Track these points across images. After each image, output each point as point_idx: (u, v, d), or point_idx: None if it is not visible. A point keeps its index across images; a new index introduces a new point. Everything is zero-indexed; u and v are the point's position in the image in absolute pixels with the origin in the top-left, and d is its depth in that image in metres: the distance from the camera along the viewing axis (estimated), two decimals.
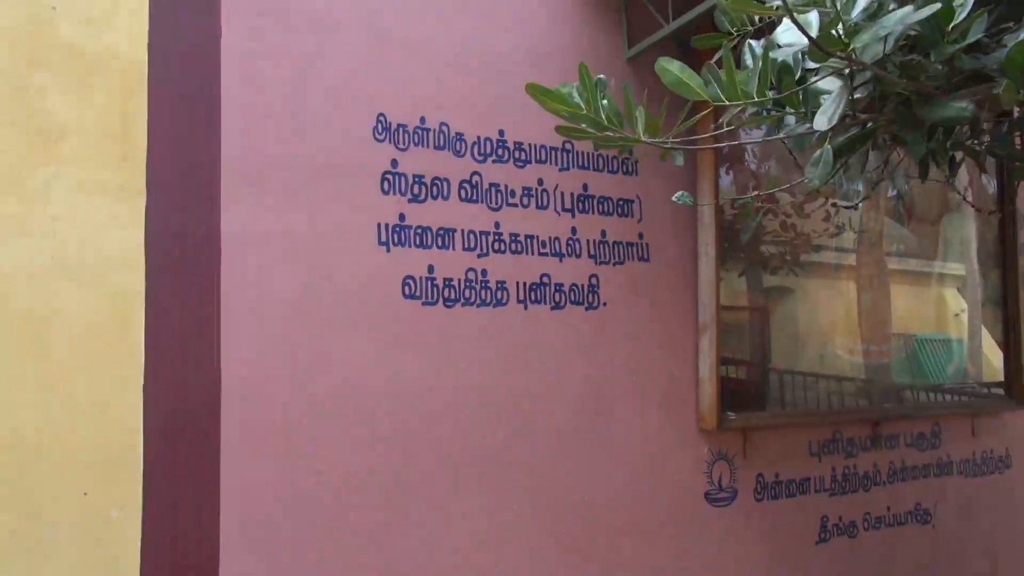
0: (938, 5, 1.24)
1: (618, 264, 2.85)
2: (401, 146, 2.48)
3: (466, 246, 2.55)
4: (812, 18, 1.27)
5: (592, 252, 2.79)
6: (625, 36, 2.88)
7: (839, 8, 1.18)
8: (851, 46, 1.18)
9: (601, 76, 1.64)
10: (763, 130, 1.92)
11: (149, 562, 2.06)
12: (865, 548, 3.38)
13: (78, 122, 2.06)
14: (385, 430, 2.38)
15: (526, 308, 2.65)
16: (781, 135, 1.49)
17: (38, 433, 1.97)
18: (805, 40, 1.20)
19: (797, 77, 1.37)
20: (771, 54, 1.35)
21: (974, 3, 1.33)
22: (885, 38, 1.27)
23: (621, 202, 2.88)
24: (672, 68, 1.31)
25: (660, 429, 2.88)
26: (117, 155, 2.10)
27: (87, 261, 2.05)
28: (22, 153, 2.00)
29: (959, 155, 2.20)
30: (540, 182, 2.71)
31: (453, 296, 2.52)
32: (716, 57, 1.61)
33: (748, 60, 1.47)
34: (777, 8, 1.17)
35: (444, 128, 2.55)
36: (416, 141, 2.51)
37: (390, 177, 2.45)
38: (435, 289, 2.49)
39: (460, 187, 2.57)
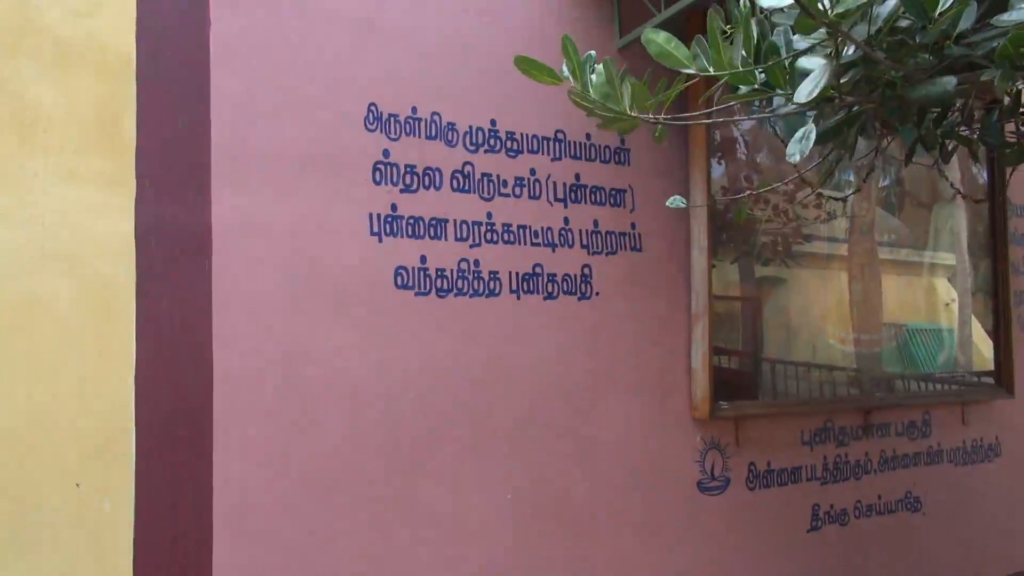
0: None
1: (611, 254, 2.85)
2: (393, 136, 2.47)
3: (458, 236, 2.55)
4: None
5: (585, 242, 2.79)
6: (617, 24, 2.88)
7: None
8: (832, 13, 1.18)
9: (591, 52, 1.63)
10: (754, 108, 1.92)
11: (142, 554, 2.06)
12: (856, 536, 3.40)
13: (65, 112, 2.05)
14: (377, 420, 2.38)
15: (519, 298, 2.65)
16: (768, 113, 1.49)
17: (30, 425, 1.97)
18: (788, 0, 1.20)
19: (784, 56, 1.37)
20: (753, 21, 1.35)
21: None
22: (870, 18, 1.27)
23: (614, 192, 2.88)
24: (658, 39, 1.31)
25: (653, 418, 2.89)
26: (105, 145, 2.08)
27: (76, 252, 2.04)
28: (8, 143, 1.98)
29: (951, 143, 2.20)
30: (532, 172, 2.71)
31: (446, 286, 2.52)
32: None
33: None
34: None
35: (436, 118, 2.55)
36: (408, 131, 2.50)
37: (382, 167, 2.44)
38: (427, 279, 2.49)
39: (452, 177, 2.56)
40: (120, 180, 2.11)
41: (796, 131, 1.55)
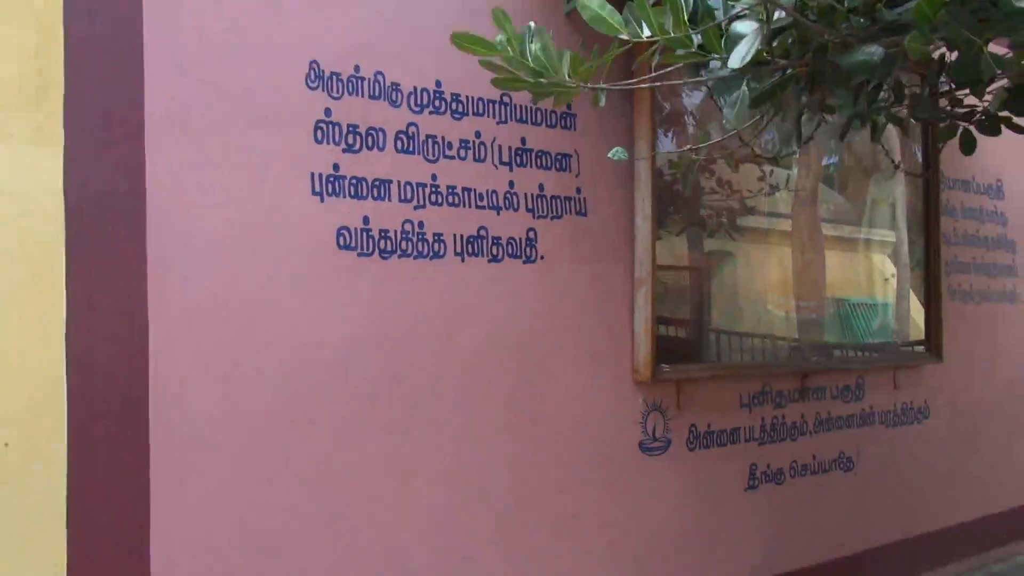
0: None
1: (556, 218, 2.87)
2: (335, 95, 2.43)
3: (402, 198, 2.54)
4: None
5: (530, 206, 2.80)
6: None
7: None
8: None
9: (531, 23, 1.64)
10: (703, 76, 1.94)
11: (75, 515, 2.03)
12: (791, 494, 3.53)
13: None
14: (319, 381, 2.37)
15: (463, 261, 2.65)
16: (705, 77, 1.51)
17: None
18: None
19: (719, 21, 1.39)
20: None
21: None
22: None
23: (559, 156, 2.89)
24: (592, 5, 1.32)
25: (596, 381, 2.94)
26: (31, 97, 2.01)
27: (2, 211, 1.97)
28: None
29: (882, 119, 2.26)
30: (477, 135, 2.70)
31: (389, 248, 2.51)
32: None
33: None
34: None
35: (379, 77, 2.51)
36: (351, 90, 2.46)
37: (323, 126, 2.41)
38: (371, 240, 2.47)
39: (396, 138, 2.54)
40: (48, 137, 2.04)
41: (732, 92, 1.58)
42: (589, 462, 2.91)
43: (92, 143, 2.08)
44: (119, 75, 2.12)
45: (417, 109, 2.59)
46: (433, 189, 2.60)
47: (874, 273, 4.19)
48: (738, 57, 1.34)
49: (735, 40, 1.48)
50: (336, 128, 2.43)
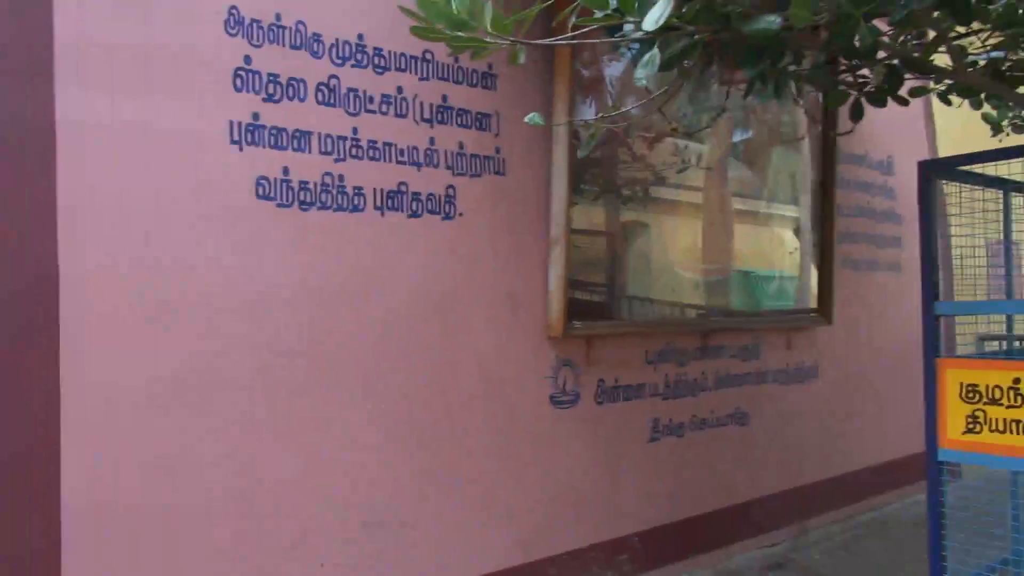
0: None
1: (475, 176, 2.93)
2: (255, 42, 2.41)
3: (323, 150, 2.54)
4: None
5: (450, 163, 2.86)
6: None
7: None
8: None
9: None
10: (626, 53, 2.03)
11: None
12: (691, 446, 3.75)
13: None
14: (237, 332, 2.38)
15: (383, 215, 2.69)
16: (619, 38, 1.60)
17: None
18: None
19: None
20: None
21: None
22: None
23: (480, 116, 2.95)
24: None
25: (510, 336, 3.04)
26: None
27: None
28: None
29: (784, 82, 2.41)
30: (399, 90, 2.73)
31: (309, 199, 2.52)
32: None
33: None
34: None
35: (301, 27, 2.50)
36: (271, 38, 2.44)
37: (243, 74, 2.39)
38: (290, 191, 2.48)
39: (317, 89, 2.54)
40: None
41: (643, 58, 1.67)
42: (502, 414, 3.02)
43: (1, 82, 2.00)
44: (26, 11, 2.04)
45: (339, 61, 2.59)
46: (354, 143, 2.62)
47: (779, 246, 4.43)
48: (651, 20, 1.43)
49: (648, 5, 1.57)
50: (256, 76, 2.41)
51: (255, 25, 2.41)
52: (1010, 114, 2.93)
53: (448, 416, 2.86)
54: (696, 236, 3.94)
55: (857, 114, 2.45)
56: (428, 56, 2.80)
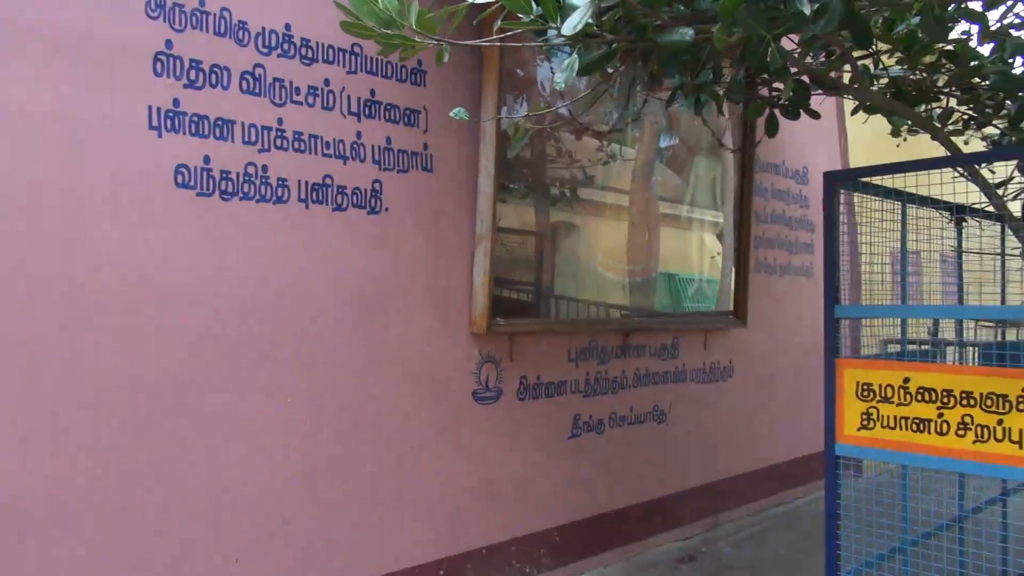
0: None
1: (402, 172, 2.94)
2: (177, 27, 2.36)
3: (246, 139, 2.51)
4: None
5: (376, 158, 2.86)
6: None
7: None
8: None
9: None
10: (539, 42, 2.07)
11: None
12: (609, 442, 3.84)
13: None
14: (152, 323, 2.33)
15: (307, 207, 2.67)
16: (541, 42, 1.64)
17: None
18: None
19: None
20: None
21: None
22: None
23: (408, 111, 2.95)
24: None
25: (434, 331, 3.06)
26: None
27: None
28: None
29: (703, 96, 2.51)
30: (327, 82, 2.71)
31: (231, 189, 2.48)
32: None
33: None
34: None
35: (225, 13, 2.46)
36: (194, 24, 2.40)
37: (163, 58, 2.34)
38: (211, 180, 2.44)
39: (241, 78, 2.50)
40: None
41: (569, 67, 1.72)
42: (425, 409, 3.04)
43: None
44: None
45: (265, 51, 2.56)
46: (279, 133, 2.59)
47: (703, 251, 4.58)
48: (570, 26, 1.48)
49: (569, 11, 1.62)
50: (177, 62, 2.36)
51: (177, 9, 2.36)
52: (909, 123, 3.14)
53: (369, 411, 2.86)
54: (622, 238, 4.03)
55: (772, 130, 2.57)
56: (356, 49, 2.79)
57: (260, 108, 2.55)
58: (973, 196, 2.81)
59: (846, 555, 2.53)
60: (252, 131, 2.53)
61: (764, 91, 2.80)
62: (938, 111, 3.05)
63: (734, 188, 4.58)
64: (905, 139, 3.29)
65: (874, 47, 2.60)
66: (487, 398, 3.28)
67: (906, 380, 2.27)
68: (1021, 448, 2.09)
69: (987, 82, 2.69)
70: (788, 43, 2.12)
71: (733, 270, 4.58)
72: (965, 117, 3.15)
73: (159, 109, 2.33)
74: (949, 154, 2.55)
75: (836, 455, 2.45)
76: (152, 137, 2.32)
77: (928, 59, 2.75)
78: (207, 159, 2.43)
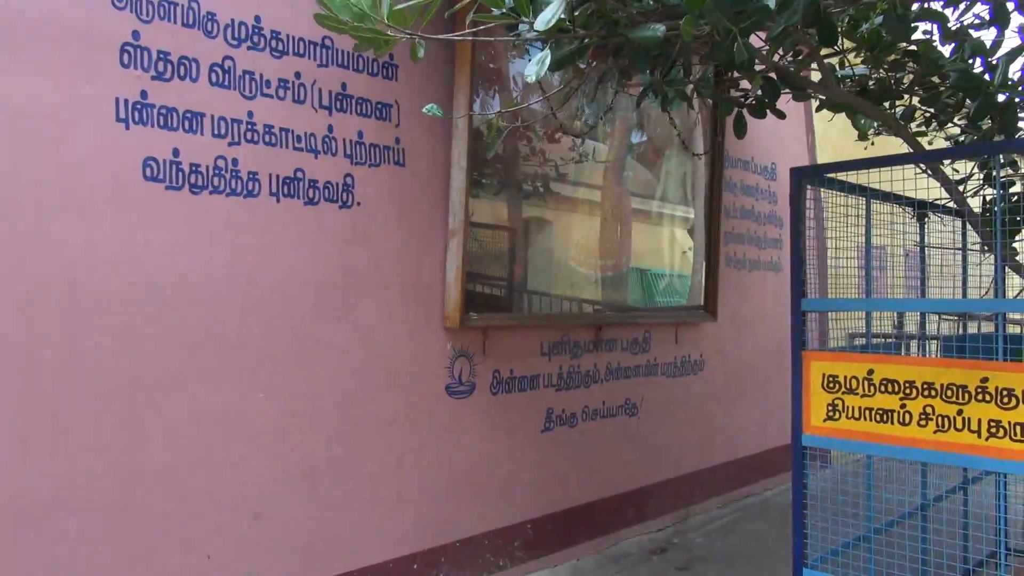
0: None
1: (374, 166, 2.93)
2: (144, 17, 2.33)
3: (216, 132, 2.49)
4: None
5: (348, 152, 2.85)
6: None
7: None
8: None
9: None
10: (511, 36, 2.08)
11: None
12: (582, 436, 3.87)
13: None
14: (120, 317, 2.30)
15: (278, 201, 2.65)
16: (513, 37, 1.65)
17: None
18: None
19: None
20: None
21: None
22: None
23: (380, 105, 2.95)
24: None
25: (407, 326, 3.06)
26: None
27: None
28: None
29: (671, 92, 2.54)
30: (298, 75, 2.70)
31: (200, 183, 2.46)
32: None
33: None
34: None
35: (194, 5, 2.44)
36: (162, 14, 2.37)
37: (130, 49, 2.30)
38: (180, 173, 2.41)
39: (211, 70, 2.48)
40: None
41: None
42: (397, 403, 3.04)
43: None
44: None
45: (234, 43, 2.54)
46: (249, 126, 2.57)
47: (674, 246, 4.62)
48: (542, 21, 1.50)
49: (542, 6, 1.63)
50: (145, 53, 2.33)
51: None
52: (876, 124, 3.18)
53: (343, 405, 2.85)
54: (594, 233, 4.06)
55: (740, 130, 2.61)
56: (328, 43, 2.78)
57: (230, 101, 2.52)
58: (935, 192, 2.88)
59: (813, 544, 2.58)
60: (222, 124, 2.50)
61: (733, 91, 2.84)
62: (901, 109, 3.11)
63: (704, 184, 4.63)
64: (872, 143, 3.34)
65: (840, 46, 2.65)
66: (460, 392, 3.29)
67: (870, 372, 2.32)
68: (980, 438, 2.15)
69: (948, 81, 2.75)
70: (757, 41, 2.15)
71: (704, 265, 4.64)
72: (927, 115, 3.21)
73: (127, 101, 2.30)
74: (912, 151, 2.61)
75: (803, 446, 2.49)
76: (120, 129, 2.28)
77: (892, 58, 2.80)
78: (176, 152, 2.40)
